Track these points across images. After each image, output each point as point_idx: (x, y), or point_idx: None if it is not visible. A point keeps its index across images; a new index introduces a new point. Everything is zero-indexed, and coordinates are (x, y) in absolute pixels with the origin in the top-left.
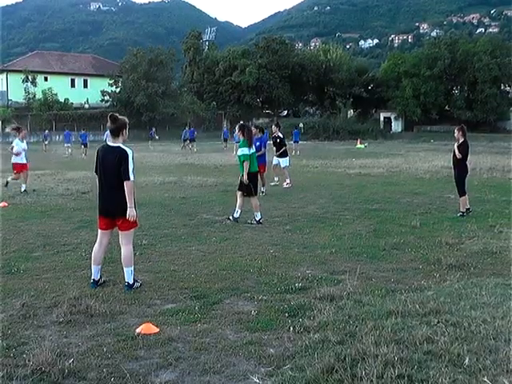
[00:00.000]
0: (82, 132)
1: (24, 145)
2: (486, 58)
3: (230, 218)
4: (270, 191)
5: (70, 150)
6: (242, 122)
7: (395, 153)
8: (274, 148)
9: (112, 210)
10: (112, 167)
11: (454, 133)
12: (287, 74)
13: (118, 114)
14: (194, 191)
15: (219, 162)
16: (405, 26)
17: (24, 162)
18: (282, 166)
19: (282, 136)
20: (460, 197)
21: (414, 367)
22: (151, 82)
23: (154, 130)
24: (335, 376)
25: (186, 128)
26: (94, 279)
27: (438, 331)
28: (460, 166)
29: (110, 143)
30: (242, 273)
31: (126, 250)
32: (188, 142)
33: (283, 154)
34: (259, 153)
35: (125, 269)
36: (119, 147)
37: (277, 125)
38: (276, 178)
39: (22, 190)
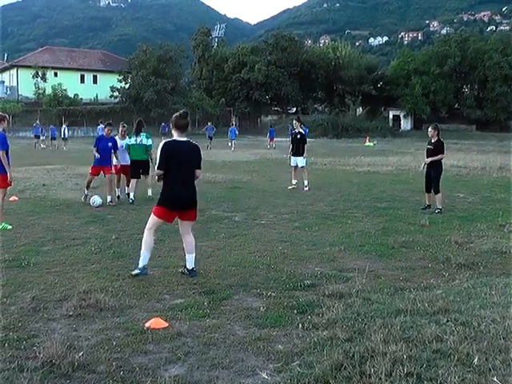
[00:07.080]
0: (52, 126)
1: (124, 142)
2: (496, 56)
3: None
4: (277, 190)
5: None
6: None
7: (404, 151)
8: (292, 145)
9: (187, 202)
10: (191, 160)
11: (427, 131)
12: (296, 71)
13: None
14: (203, 187)
15: (228, 158)
16: (415, 23)
17: (120, 162)
18: (301, 165)
19: (303, 132)
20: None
21: (423, 365)
22: (160, 79)
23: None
24: (344, 373)
25: (209, 124)
26: None
27: (447, 330)
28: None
29: (180, 138)
30: (251, 269)
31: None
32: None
33: (301, 153)
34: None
35: None
36: (191, 141)
37: (298, 119)
38: (294, 181)
39: (121, 195)
